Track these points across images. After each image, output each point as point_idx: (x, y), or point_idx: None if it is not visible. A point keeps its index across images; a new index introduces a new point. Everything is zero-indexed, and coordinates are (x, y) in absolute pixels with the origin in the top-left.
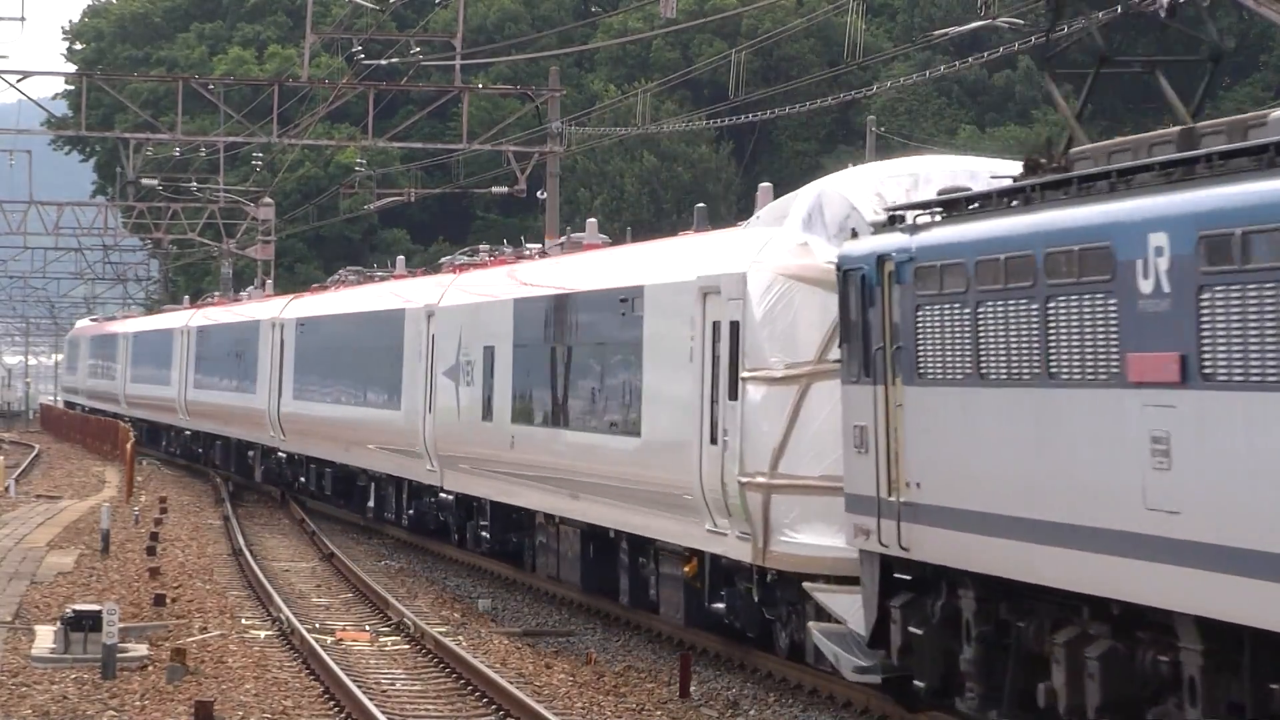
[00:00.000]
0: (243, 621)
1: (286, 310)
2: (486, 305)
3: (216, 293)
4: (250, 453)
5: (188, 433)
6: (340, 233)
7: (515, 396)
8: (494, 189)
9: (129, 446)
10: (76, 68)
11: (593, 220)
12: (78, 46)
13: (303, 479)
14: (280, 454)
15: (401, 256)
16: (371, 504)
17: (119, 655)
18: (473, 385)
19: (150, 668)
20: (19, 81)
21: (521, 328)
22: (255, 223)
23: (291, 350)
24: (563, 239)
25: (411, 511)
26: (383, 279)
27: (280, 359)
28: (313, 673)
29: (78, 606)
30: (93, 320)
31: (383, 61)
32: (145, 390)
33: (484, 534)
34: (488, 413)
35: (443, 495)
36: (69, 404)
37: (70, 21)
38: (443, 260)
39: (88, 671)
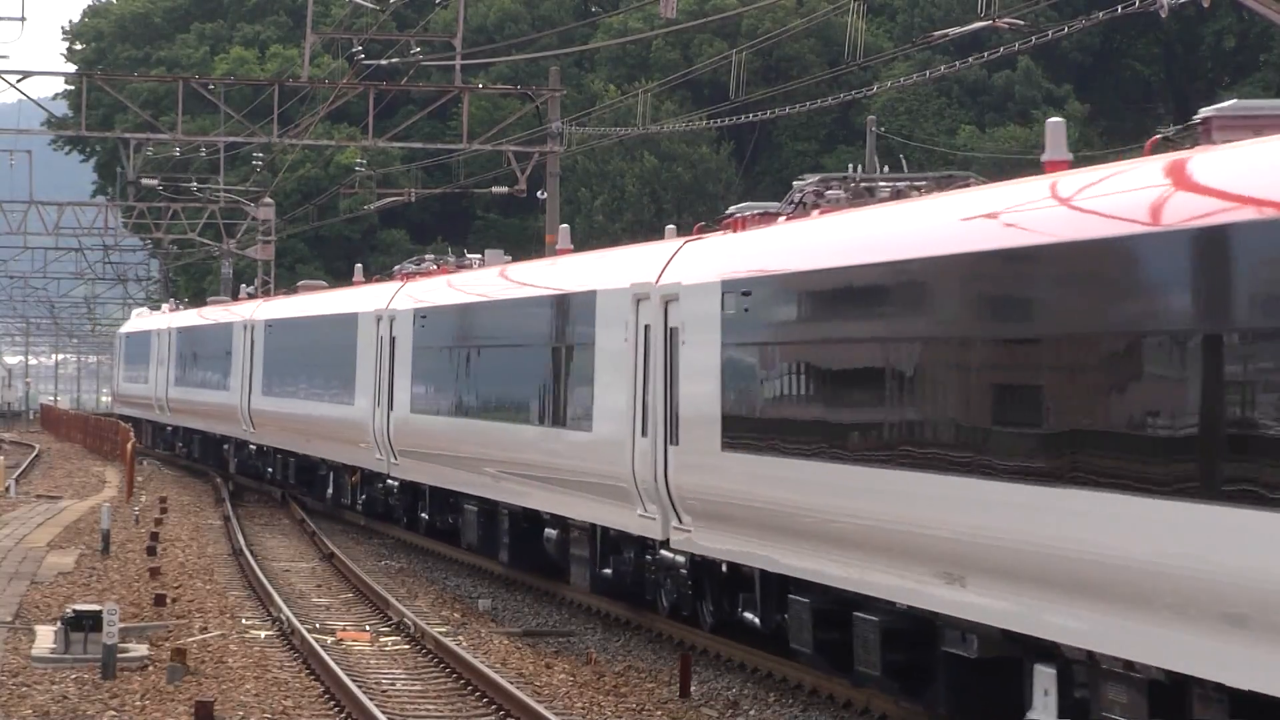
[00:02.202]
0: (243, 621)
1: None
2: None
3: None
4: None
5: (253, 447)
6: (340, 233)
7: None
8: (494, 189)
9: (129, 446)
10: (77, 68)
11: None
12: (78, 46)
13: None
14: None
15: (360, 265)
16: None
17: (119, 655)
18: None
19: (150, 668)
20: (19, 81)
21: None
22: (255, 223)
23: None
24: (471, 259)
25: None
26: (472, 265)
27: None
28: (313, 673)
29: (78, 606)
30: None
31: (383, 61)
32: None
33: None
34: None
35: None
36: (124, 418)
37: (70, 21)
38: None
39: (88, 671)
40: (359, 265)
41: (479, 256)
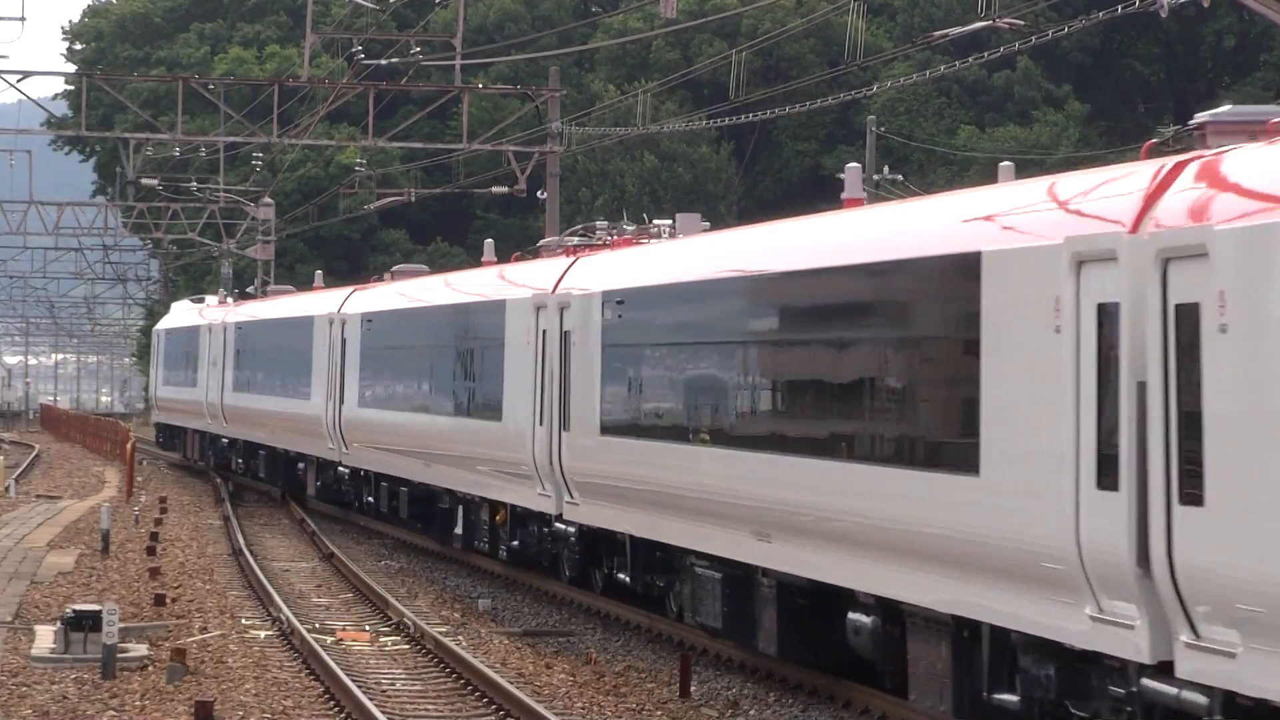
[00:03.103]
0: (243, 621)
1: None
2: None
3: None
4: (302, 465)
5: (343, 471)
6: (340, 233)
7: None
8: (494, 189)
9: (129, 446)
10: (76, 68)
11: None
12: (78, 46)
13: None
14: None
15: (320, 270)
16: (460, 529)
17: (119, 655)
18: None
19: (150, 668)
20: (19, 81)
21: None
22: (255, 223)
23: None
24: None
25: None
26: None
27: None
28: (313, 673)
29: (78, 606)
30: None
31: (383, 61)
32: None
33: (369, 499)
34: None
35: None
36: (163, 427)
37: (70, 21)
38: (540, 244)
39: (88, 671)
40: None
41: (669, 223)
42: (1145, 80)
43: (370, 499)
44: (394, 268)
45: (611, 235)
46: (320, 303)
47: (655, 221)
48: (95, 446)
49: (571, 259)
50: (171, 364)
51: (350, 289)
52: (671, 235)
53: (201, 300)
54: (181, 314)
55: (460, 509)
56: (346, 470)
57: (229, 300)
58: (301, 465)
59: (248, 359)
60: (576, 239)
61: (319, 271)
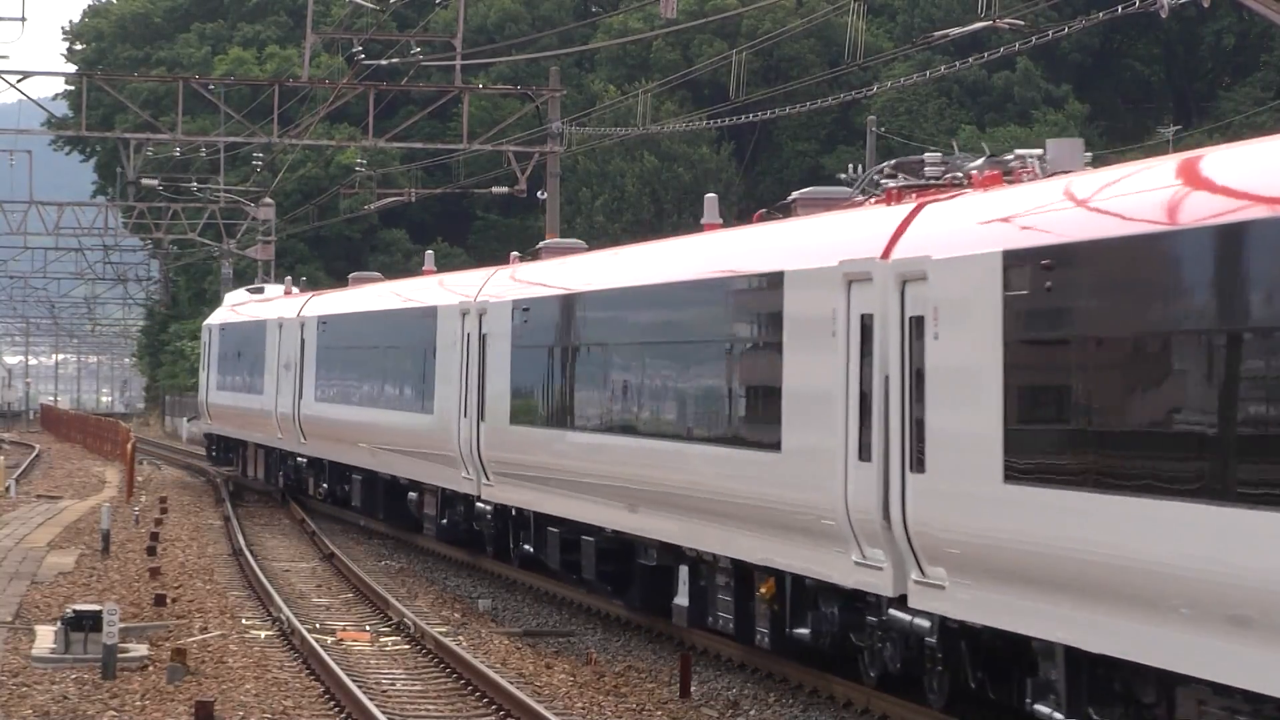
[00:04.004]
0: (243, 622)
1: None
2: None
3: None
4: (414, 494)
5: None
6: (340, 233)
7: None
8: (494, 189)
9: (129, 447)
10: (77, 68)
11: (431, 251)
12: (78, 47)
13: (322, 485)
14: (298, 459)
15: (290, 276)
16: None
17: (119, 655)
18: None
19: (150, 668)
20: (19, 82)
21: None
22: (255, 223)
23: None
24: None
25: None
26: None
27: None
28: (313, 673)
29: (78, 606)
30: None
31: (383, 62)
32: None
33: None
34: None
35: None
36: (215, 439)
37: (70, 22)
38: (303, 278)
39: (88, 671)
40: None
41: (1038, 152)
42: (1145, 80)
43: (528, 547)
44: (541, 244)
45: (957, 173)
46: (447, 289)
47: (1019, 151)
48: (95, 447)
49: (493, 269)
50: (228, 365)
51: (490, 269)
52: (1042, 167)
53: (260, 290)
54: (239, 306)
55: (413, 494)
56: (490, 507)
57: (295, 290)
58: (414, 494)
59: (336, 361)
60: (896, 179)
61: (430, 252)
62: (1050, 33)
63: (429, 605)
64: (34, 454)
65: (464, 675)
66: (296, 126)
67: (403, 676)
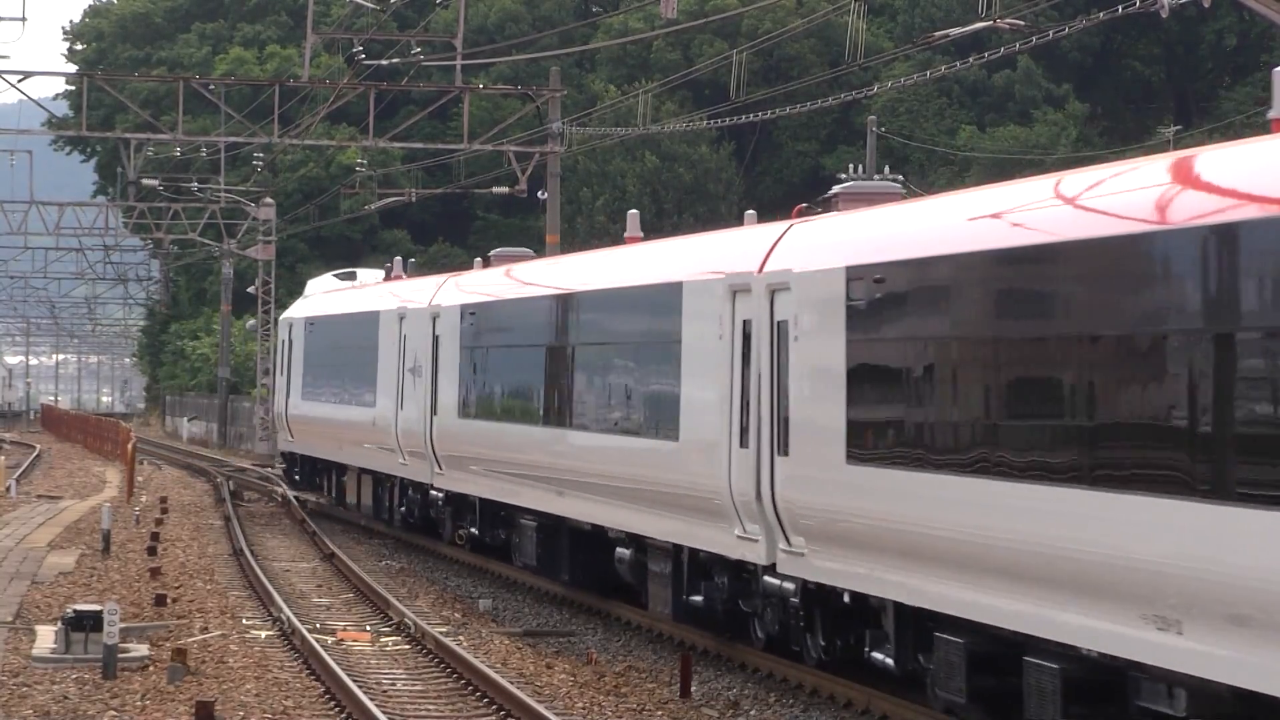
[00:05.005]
0: (243, 621)
1: (445, 294)
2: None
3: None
4: (626, 551)
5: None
6: (341, 233)
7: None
8: (495, 189)
9: (129, 447)
10: (77, 68)
11: (398, 258)
12: (79, 47)
13: (487, 532)
14: (435, 495)
15: (634, 211)
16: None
17: (120, 655)
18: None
19: (151, 668)
20: (20, 82)
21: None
22: (256, 223)
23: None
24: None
25: (404, 507)
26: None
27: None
28: (313, 673)
29: (78, 606)
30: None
31: (383, 61)
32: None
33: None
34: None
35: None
36: (298, 460)
37: (71, 21)
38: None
39: (88, 672)
40: (397, 259)
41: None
42: (1145, 80)
43: (474, 530)
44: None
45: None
46: (676, 260)
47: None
48: (96, 447)
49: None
50: (318, 369)
51: (786, 224)
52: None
53: (353, 276)
54: (332, 295)
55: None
56: (794, 588)
57: (403, 274)
58: (625, 551)
59: (494, 364)
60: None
61: (633, 212)
62: (1050, 32)
63: (429, 605)
64: (34, 454)
65: (464, 675)
66: (297, 126)
67: (403, 676)
